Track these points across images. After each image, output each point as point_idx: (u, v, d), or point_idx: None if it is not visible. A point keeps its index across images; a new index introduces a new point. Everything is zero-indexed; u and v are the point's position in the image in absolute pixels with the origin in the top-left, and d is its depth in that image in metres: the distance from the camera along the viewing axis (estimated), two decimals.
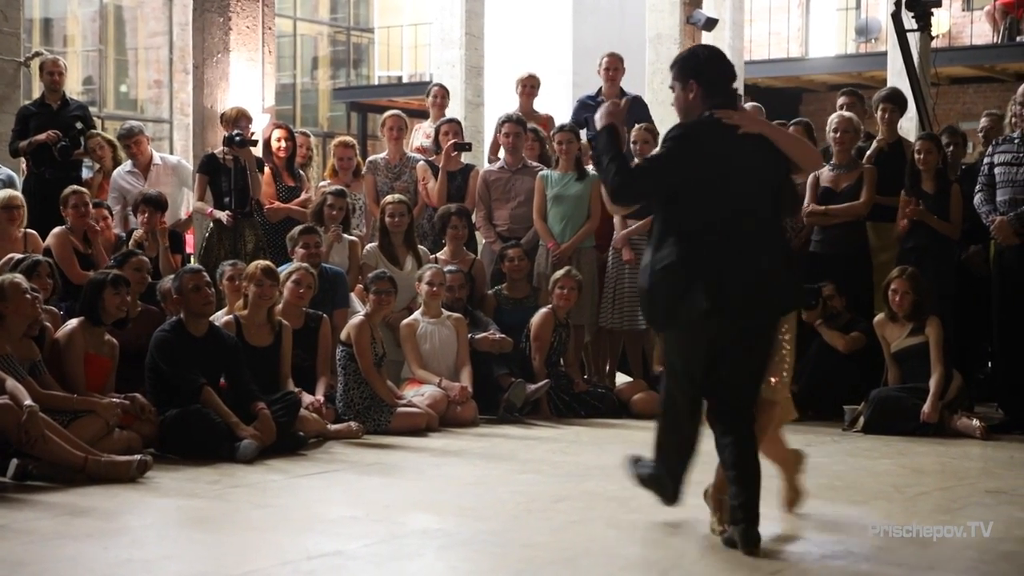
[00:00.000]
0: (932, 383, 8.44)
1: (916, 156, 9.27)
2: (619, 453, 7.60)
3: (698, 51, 5.61)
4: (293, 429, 7.75)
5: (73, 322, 7.63)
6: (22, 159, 10.87)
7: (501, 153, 10.78)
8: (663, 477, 5.43)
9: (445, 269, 9.45)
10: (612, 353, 10.37)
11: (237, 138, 10.14)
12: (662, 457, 5.45)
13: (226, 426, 7.42)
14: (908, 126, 12.26)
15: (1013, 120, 8.95)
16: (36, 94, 11.87)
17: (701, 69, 5.35)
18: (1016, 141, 8.76)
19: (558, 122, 11.25)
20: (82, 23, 19.26)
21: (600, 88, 11.70)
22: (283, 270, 8.65)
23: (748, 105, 11.30)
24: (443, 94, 12.02)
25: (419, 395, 8.78)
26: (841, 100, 10.41)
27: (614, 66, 11.64)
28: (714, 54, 5.55)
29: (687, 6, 16.04)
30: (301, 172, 10.83)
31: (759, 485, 5.15)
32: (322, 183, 11.00)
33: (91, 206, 9.41)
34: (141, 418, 7.48)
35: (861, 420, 8.54)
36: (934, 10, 13.16)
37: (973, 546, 5.34)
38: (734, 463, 5.18)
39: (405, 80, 22.14)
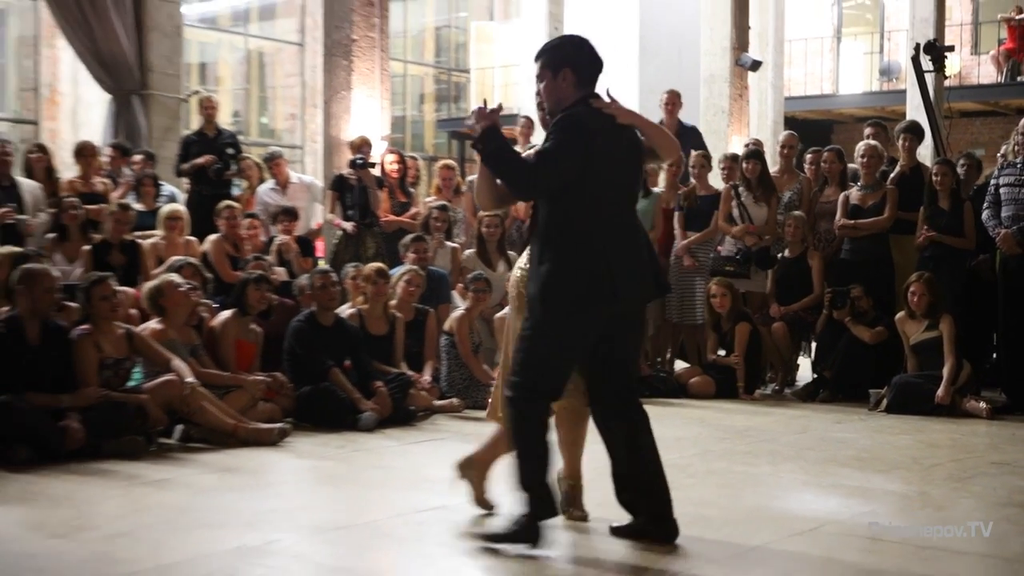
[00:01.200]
0: (945, 371, 8.33)
1: (934, 178, 9.19)
2: (677, 427, 7.65)
3: (571, 40, 4.69)
4: (405, 404, 7.81)
5: (226, 313, 7.75)
6: (184, 179, 11.03)
7: None
8: (530, 514, 4.39)
9: None
10: (672, 343, 10.33)
11: (359, 161, 10.24)
12: (530, 485, 4.41)
13: (350, 401, 7.49)
14: (925, 153, 12.11)
15: (1015, 148, 8.87)
16: (194, 125, 12.02)
17: (573, 57, 4.52)
18: (1019, 166, 8.66)
19: None
20: (231, 66, 19.49)
21: (661, 120, 11.65)
22: (396, 272, 8.72)
23: (784, 135, 11.23)
24: (529, 125, 12.00)
25: None
26: (867, 130, 10.31)
27: (673, 101, 11.60)
28: (585, 44, 4.63)
29: (736, 51, 15.95)
30: (411, 190, 10.90)
31: (662, 470, 4.58)
32: (428, 199, 11.05)
33: (240, 218, 9.54)
34: (281, 393, 7.57)
35: (884, 402, 8.46)
36: (947, 54, 13.03)
37: (982, 508, 5.28)
38: (636, 450, 4.56)
39: None
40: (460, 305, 9.08)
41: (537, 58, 4.57)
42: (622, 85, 18.61)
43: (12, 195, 9.33)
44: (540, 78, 4.55)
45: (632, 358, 4.71)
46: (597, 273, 4.35)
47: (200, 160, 10.68)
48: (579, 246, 4.37)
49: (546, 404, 4.47)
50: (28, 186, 9.53)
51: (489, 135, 4.40)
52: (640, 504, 4.59)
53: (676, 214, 10.03)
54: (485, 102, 4.54)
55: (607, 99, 4.54)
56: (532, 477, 4.41)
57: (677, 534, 4.50)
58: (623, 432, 4.57)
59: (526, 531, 4.36)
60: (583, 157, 4.34)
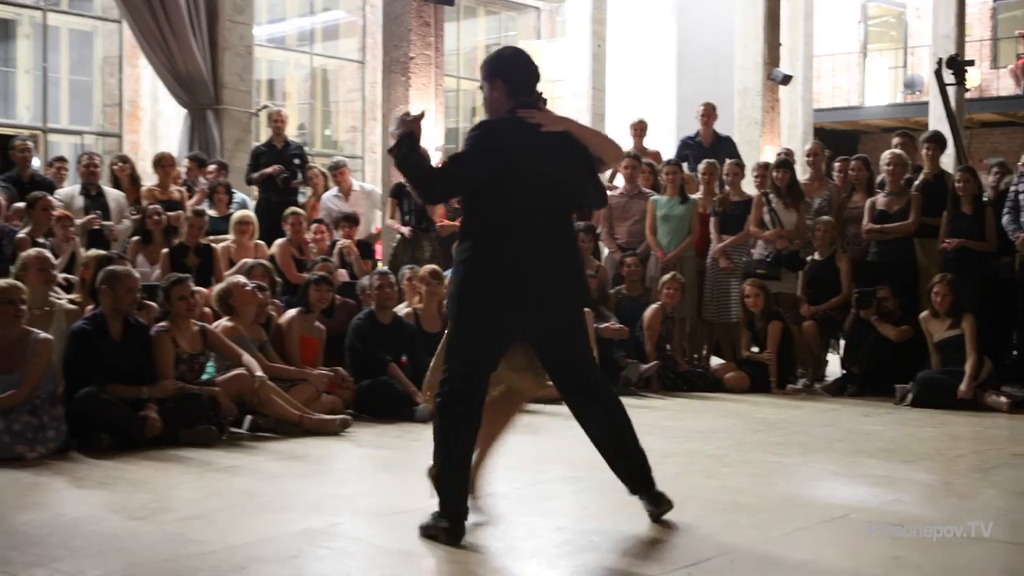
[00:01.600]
0: (967, 367, 8.23)
1: (956, 185, 9.11)
2: (713, 419, 7.60)
3: (503, 52, 4.55)
4: None
5: (292, 312, 7.78)
6: (254, 187, 11.09)
7: (620, 181, 10.73)
8: (445, 517, 4.24)
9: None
10: (708, 340, 10.26)
11: None
12: (447, 488, 4.27)
13: (407, 394, 7.48)
14: (947, 161, 11.96)
15: None
16: (263, 137, 12.08)
17: (505, 68, 4.40)
18: None
19: (665, 157, 11.19)
20: (297, 82, 19.58)
21: (697, 130, 11.59)
22: (450, 273, 8.69)
23: (809, 144, 11.13)
24: None
25: None
26: (896, 140, 10.21)
27: (708, 113, 11.53)
28: (518, 55, 4.50)
29: (767, 65, 15.84)
30: None
31: (639, 447, 4.49)
32: None
33: (305, 223, 9.57)
34: (342, 386, 7.59)
35: (909, 396, 8.35)
36: (968, 68, 12.87)
37: (1003, 496, 5.19)
38: (616, 431, 4.44)
39: None
40: None
41: (481, 70, 4.49)
42: (660, 97, 18.62)
43: (99, 203, 9.45)
44: (481, 89, 4.49)
45: (580, 352, 4.45)
46: (500, 279, 4.21)
47: (269, 170, 10.75)
48: (487, 252, 4.24)
49: (467, 404, 4.26)
50: (113, 195, 9.65)
51: (402, 141, 4.29)
52: (630, 484, 4.49)
53: (712, 219, 9.96)
54: (408, 112, 4.46)
55: (538, 108, 4.38)
56: (447, 476, 4.27)
57: (668, 503, 4.43)
58: (593, 419, 4.44)
59: (443, 532, 4.20)
60: (487, 165, 4.22)
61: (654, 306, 9.43)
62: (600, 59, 15.53)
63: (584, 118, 15.04)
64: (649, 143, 11.70)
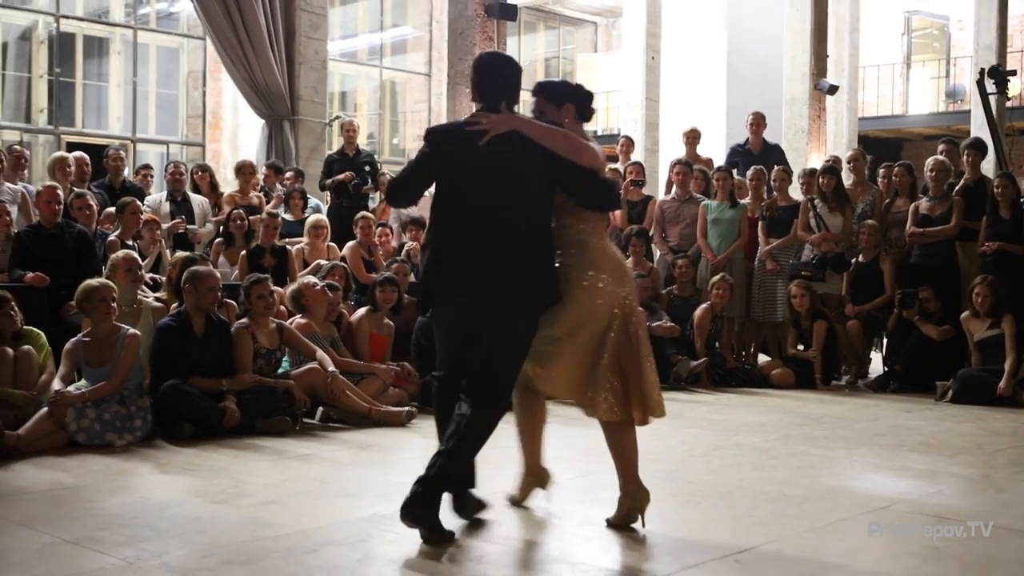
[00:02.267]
0: (1007, 365, 8.09)
1: (995, 190, 8.96)
2: (760, 414, 7.53)
3: (479, 57, 4.36)
4: None
5: (361, 310, 7.82)
6: (327, 193, 11.17)
7: (672, 187, 10.66)
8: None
9: (634, 275, 9.43)
10: (755, 338, 10.18)
11: None
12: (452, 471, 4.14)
13: None
14: (988, 167, 11.75)
15: None
16: (336, 146, 12.17)
17: (479, 74, 4.25)
18: None
19: (715, 164, 11.11)
20: (367, 94, 19.71)
21: (747, 139, 11.48)
22: None
23: (850, 152, 10.97)
24: (629, 144, 11.94)
25: None
26: (941, 147, 10.07)
27: (757, 121, 11.41)
28: (491, 59, 4.33)
29: (814, 76, 15.69)
30: None
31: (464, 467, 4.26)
32: None
33: (375, 227, 9.62)
34: (408, 380, 7.60)
35: (950, 393, 8.23)
36: (1010, 78, 12.64)
37: None
38: (460, 434, 4.11)
39: (600, 133, 22.04)
40: None
41: None
42: (711, 106, 18.50)
43: (184, 208, 9.58)
44: None
45: (497, 358, 4.13)
46: (443, 276, 4.12)
47: (341, 176, 10.82)
48: (436, 249, 4.17)
49: (443, 388, 4.31)
50: (197, 200, 9.78)
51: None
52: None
53: (760, 223, 9.88)
54: None
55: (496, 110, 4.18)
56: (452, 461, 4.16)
57: (426, 526, 4.02)
58: (460, 413, 4.14)
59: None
60: (429, 171, 4.20)
61: (704, 305, 9.37)
62: (654, 70, 15.47)
63: (638, 127, 15.00)
64: (701, 150, 11.62)
